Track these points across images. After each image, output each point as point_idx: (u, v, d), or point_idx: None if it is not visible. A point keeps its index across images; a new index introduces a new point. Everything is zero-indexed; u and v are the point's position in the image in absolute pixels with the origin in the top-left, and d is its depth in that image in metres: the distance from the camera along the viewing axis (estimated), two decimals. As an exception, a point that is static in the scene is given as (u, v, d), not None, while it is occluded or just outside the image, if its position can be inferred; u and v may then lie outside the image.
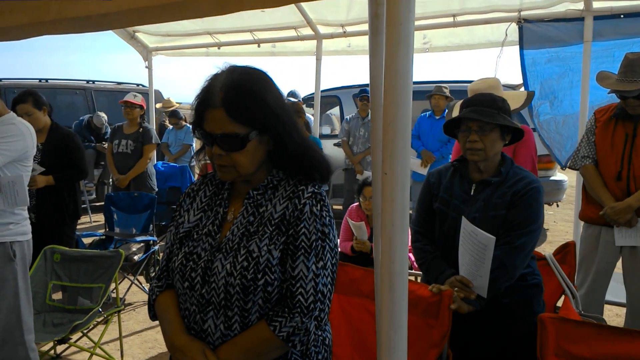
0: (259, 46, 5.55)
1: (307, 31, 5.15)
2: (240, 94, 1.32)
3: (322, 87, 8.32)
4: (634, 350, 1.58)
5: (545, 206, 8.18)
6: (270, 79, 1.42)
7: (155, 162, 6.24)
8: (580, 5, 4.06)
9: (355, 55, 5.25)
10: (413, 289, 2.03)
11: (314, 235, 1.34)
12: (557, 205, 7.85)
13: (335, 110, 8.52)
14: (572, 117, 4.52)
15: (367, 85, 7.78)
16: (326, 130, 8.78)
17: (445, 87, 5.73)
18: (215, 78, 1.37)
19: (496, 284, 2.02)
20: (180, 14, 1.46)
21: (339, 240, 4.26)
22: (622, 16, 4.07)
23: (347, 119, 6.57)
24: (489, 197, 2.14)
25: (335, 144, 7.29)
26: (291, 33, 5.24)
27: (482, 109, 2.14)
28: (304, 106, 7.73)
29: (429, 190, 2.33)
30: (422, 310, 1.99)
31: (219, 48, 5.86)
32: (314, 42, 5.19)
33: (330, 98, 8.14)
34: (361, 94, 6.30)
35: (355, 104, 6.85)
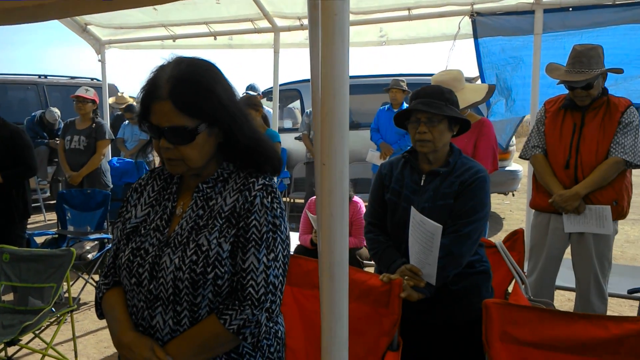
0: (215, 39, 5.47)
1: (265, 24, 5.11)
2: (187, 86, 1.29)
3: (284, 80, 8.31)
4: (574, 332, 1.64)
5: (502, 196, 8.45)
6: (219, 70, 1.40)
7: (110, 158, 6.09)
8: (531, -1, 4.17)
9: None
10: (364, 279, 2.05)
11: (264, 227, 1.33)
12: (513, 195, 8.07)
13: (297, 104, 8.50)
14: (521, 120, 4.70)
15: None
16: (288, 123, 8.76)
17: (402, 81, 5.79)
18: (161, 70, 1.34)
19: (445, 272, 2.06)
20: (118, 4, 1.41)
21: (298, 233, 4.29)
22: (570, 9, 4.20)
23: (307, 112, 6.56)
24: (438, 187, 2.18)
25: (296, 138, 7.28)
26: (248, 25, 5.19)
27: (431, 100, 2.17)
28: (264, 100, 7.69)
29: (380, 182, 2.35)
30: (373, 299, 2.01)
31: (174, 41, 5.75)
32: (272, 35, 5.16)
33: (291, 91, 8.12)
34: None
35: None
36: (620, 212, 3.07)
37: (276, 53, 5.15)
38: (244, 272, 1.31)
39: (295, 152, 7.25)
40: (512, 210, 8.33)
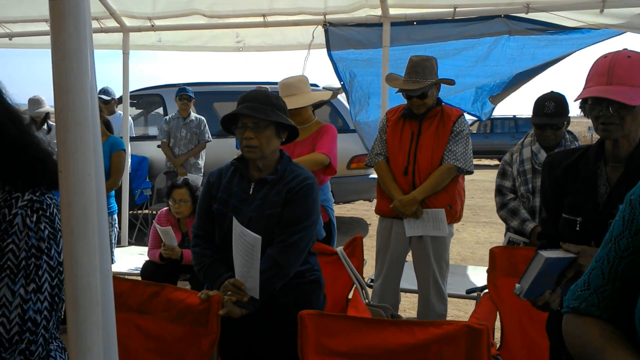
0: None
1: (112, 23, 4.75)
2: None
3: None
4: (385, 339, 1.63)
5: (366, 202, 8.74)
6: None
7: None
8: (379, 12, 4.31)
9: (167, 50, 4.98)
10: (182, 297, 1.90)
11: (24, 253, 1.12)
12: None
13: (162, 110, 8.09)
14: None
15: (192, 84, 7.47)
16: (153, 131, 8.31)
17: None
18: None
19: (271, 284, 1.98)
20: None
21: (148, 248, 4.00)
22: (414, 23, 4.41)
23: (166, 119, 6.24)
24: (266, 195, 2.10)
25: (158, 146, 6.90)
26: (94, 24, 4.79)
27: (257, 105, 2.08)
28: (120, 104, 7.18)
29: (208, 191, 2.22)
30: (191, 319, 1.87)
31: (10, 39, 5.16)
32: (120, 35, 4.81)
33: (154, 97, 7.71)
34: (180, 92, 6.02)
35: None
36: (454, 216, 3.23)
37: (125, 55, 4.82)
38: None
39: (159, 161, 6.87)
40: (378, 216, 8.64)
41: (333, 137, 3.27)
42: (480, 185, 11.33)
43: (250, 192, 2.13)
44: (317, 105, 3.49)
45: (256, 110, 2.06)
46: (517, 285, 1.56)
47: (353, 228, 7.91)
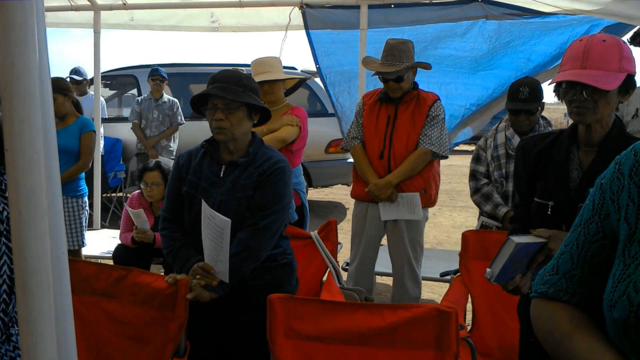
0: (26, 14, 4.81)
1: (83, 1, 4.60)
2: None
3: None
4: (355, 322, 1.62)
5: (345, 187, 8.74)
6: None
7: None
8: (356, -6, 4.25)
9: (139, 30, 4.85)
10: (149, 281, 1.87)
11: None
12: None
13: (136, 91, 7.92)
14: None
15: (168, 65, 7.31)
16: (127, 112, 8.13)
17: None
18: None
19: (241, 267, 1.95)
20: None
21: (120, 231, 3.93)
22: (392, 6, 4.37)
23: (138, 100, 6.12)
24: (237, 178, 2.06)
25: (132, 128, 6.76)
26: (64, 2, 4.64)
27: (227, 86, 2.03)
28: (93, 85, 7.00)
29: (177, 174, 2.16)
30: (158, 303, 1.83)
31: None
32: (91, 13, 4.66)
33: (127, 78, 7.54)
34: (153, 73, 5.89)
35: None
36: (429, 200, 3.24)
37: (97, 33, 4.68)
38: None
39: (133, 143, 6.73)
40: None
41: (302, 118, 3.22)
42: (457, 170, 11.42)
43: (221, 175, 2.09)
44: (290, 90, 3.44)
45: (227, 91, 2.01)
46: (488, 270, 1.56)
47: (331, 212, 7.91)
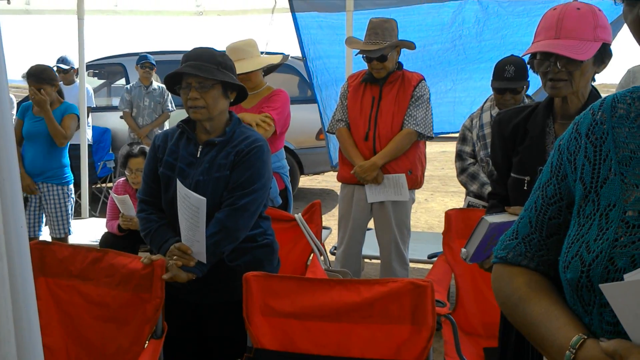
0: (9, 2, 4.73)
1: (65, -14, 4.55)
2: None
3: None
4: (331, 298, 1.61)
5: (336, 173, 8.71)
6: None
7: None
8: (342, -25, 4.20)
9: (124, 15, 4.79)
10: (125, 262, 1.85)
11: None
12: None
13: (125, 80, 7.84)
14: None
15: (157, 52, 7.23)
16: (116, 102, 8.06)
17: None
18: None
19: (219, 247, 1.93)
20: None
21: (106, 219, 3.91)
22: (378, -13, 4.33)
23: (127, 88, 6.05)
24: (214, 158, 2.03)
25: (121, 117, 6.71)
26: (46, -12, 4.58)
27: (201, 63, 1.99)
28: (80, 74, 6.93)
29: (154, 155, 2.13)
30: (134, 285, 1.82)
31: None
32: (74, -1, 4.60)
33: (115, 66, 7.46)
34: (141, 60, 5.83)
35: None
36: (415, 181, 3.22)
37: (81, 20, 4.61)
38: None
39: (122, 132, 6.68)
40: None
41: (284, 100, 3.16)
42: (450, 156, 11.39)
43: (198, 155, 2.06)
44: (268, 70, 3.38)
45: (200, 69, 1.98)
46: (463, 250, 1.56)
47: (323, 199, 7.89)
